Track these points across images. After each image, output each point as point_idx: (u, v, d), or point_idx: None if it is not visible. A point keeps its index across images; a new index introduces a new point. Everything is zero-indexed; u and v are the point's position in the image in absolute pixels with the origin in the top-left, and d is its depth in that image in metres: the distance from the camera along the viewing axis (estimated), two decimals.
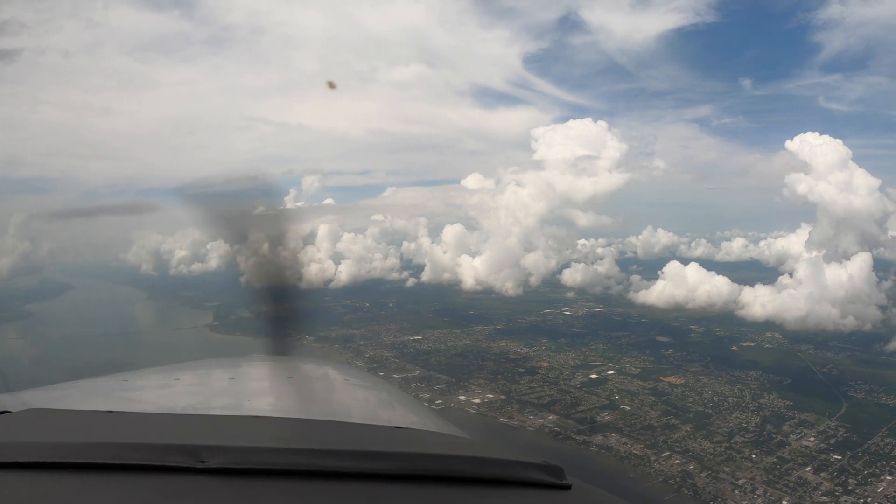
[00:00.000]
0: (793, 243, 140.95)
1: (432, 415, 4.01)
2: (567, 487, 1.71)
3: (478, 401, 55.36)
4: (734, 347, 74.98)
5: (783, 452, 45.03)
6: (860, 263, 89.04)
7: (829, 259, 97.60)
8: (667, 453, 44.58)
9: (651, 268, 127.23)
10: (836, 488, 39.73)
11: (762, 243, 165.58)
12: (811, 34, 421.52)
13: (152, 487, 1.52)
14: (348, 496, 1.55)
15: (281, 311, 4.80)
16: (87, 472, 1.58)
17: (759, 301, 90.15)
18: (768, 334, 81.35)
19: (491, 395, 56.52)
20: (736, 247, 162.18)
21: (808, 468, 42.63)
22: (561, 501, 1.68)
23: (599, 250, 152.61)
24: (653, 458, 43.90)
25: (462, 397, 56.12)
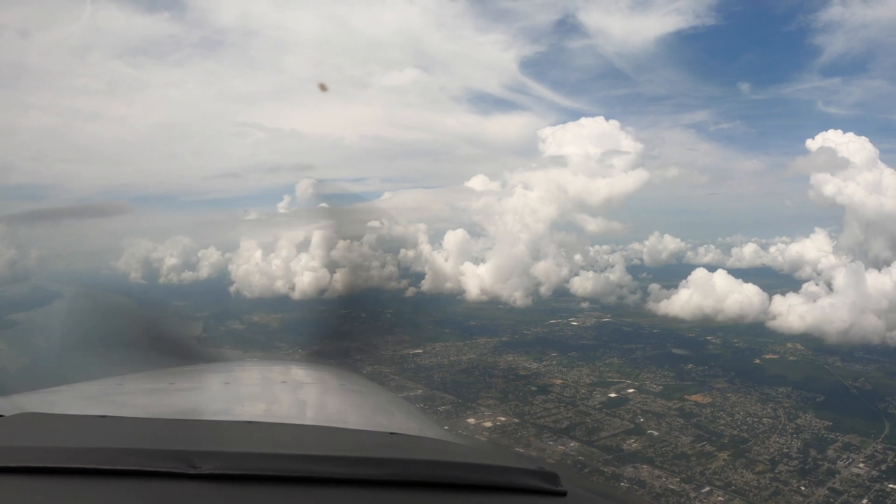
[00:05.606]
0: (808, 248, 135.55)
1: (428, 421, 3.85)
2: (562, 494, 1.67)
3: (489, 424, 50.23)
4: (757, 361, 70.35)
5: (834, 482, 40.32)
6: None
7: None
8: (707, 488, 39.42)
9: (661, 275, 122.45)
10: None
11: (773, 249, 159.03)
12: (811, 37, 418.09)
13: (144, 493, 1.51)
14: (342, 502, 1.53)
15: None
16: (80, 477, 1.56)
17: (795, 311, 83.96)
18: (789, 345, 76.73)
19: (503, 418, 51.34)
20: (748, 252, 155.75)
21: (864, 501, 38.11)
22: None
23: (608, 257, 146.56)
24: (693, 495, 38.70)
25: (471, 420, 50.96)
